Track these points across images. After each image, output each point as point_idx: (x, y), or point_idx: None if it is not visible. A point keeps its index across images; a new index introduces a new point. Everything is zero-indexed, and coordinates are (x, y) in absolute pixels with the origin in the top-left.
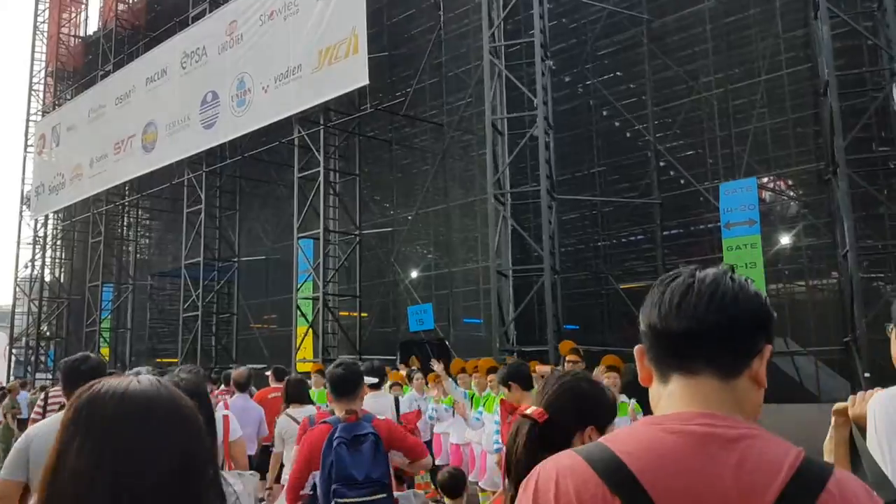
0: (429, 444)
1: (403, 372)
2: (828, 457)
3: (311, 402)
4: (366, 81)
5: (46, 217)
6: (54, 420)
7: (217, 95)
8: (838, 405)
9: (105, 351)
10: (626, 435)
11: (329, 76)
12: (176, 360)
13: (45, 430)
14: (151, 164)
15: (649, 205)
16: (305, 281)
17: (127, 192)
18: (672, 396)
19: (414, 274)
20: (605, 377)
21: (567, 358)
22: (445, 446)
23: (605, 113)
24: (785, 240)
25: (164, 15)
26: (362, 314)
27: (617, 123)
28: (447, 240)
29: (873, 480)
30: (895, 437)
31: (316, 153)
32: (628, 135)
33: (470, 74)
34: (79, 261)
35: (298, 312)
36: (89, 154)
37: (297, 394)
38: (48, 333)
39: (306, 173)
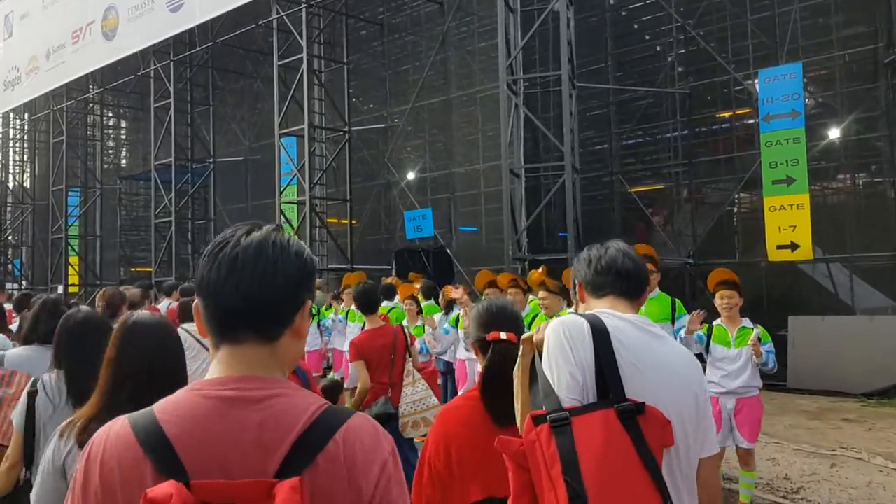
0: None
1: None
2: (515, 382)
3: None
4: None
5: (6, 117)
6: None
7: None
8: (525, 335)
9: (74, 259)
10: (172, 400)
11: None
12: (150, 270)
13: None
14: (113, 53)
15: (672, 97)
16: (289, 183)
17: (91, 88)
18: (219, 363)
19: (410, 175)
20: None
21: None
22: (472, 373)
23: None
24: (833, 133)
25: None
26: (353, 221)
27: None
28: (447, 137)
29: (543, 394)
30: (560, 356)
31: (298, 37)
32: (647, 17)
33: None
34: (42, 164)
35: (283, 218)
36: (45, 45)
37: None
38: (13, 241)
39: (287, 60)
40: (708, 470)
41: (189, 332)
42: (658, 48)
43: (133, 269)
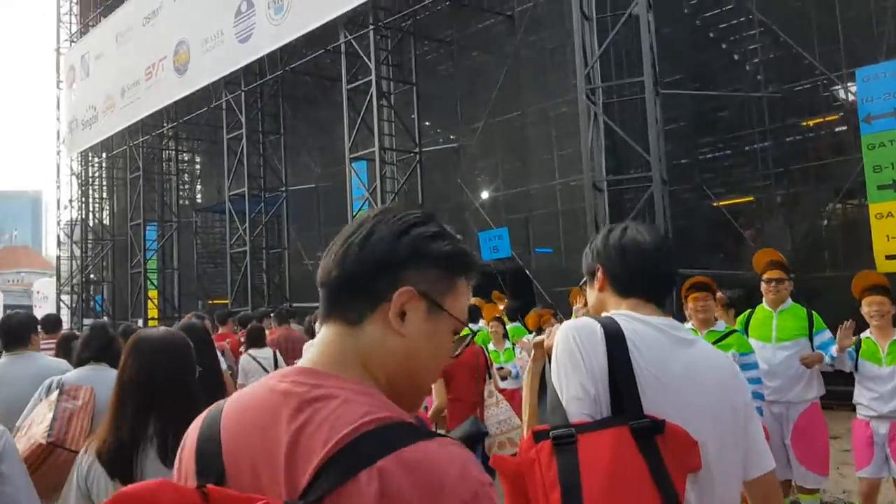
0: None
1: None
2: (525, 389)
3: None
4: None
5: (85, 156)
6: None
7: (252, 4)
8: (537, 338)
9: (153, 293)
10: (244, 390)
11: None
12: (226, 301)
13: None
14: (185, 87)
15: (755, 106)
16: (361, 208)
17: (165, 123)
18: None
19: (484, 195)
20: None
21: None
22: None
23: None
24: None
25: None
26: None
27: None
28: (521, 155)
29: (549, 407)
30: (570, 364)
31: (366, 60)
32: (724, 25)
33: None
34: (120, 200)
35: None
36: (120, 83)
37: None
38: (94, 278)
39: (356, 84)
40: (761, 491)
41: (254, 358)
42: (736, 56)
43: (210, 301)
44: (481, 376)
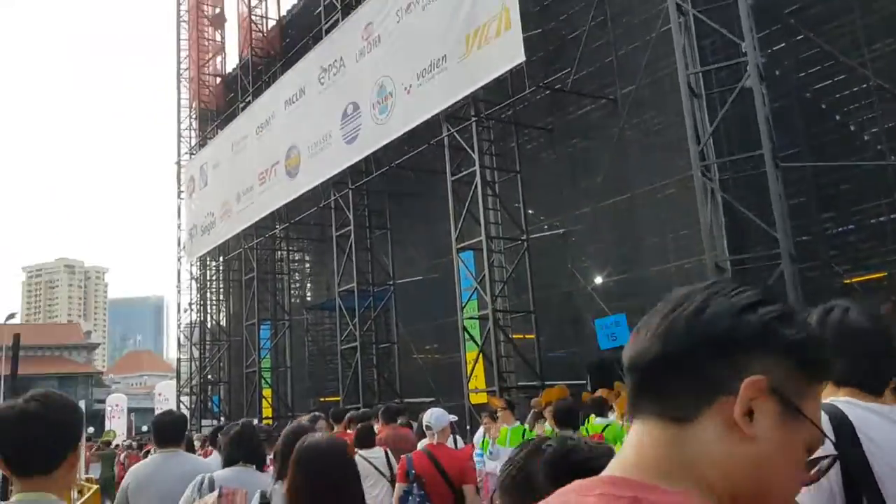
0: None
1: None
2: None
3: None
4: (522, 58)
5: (203, 261)
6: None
7: (357, 106)
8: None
9: (267, 392)
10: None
11: (479, 61)
12: (338, 398)
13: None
14: (297, 189)
15: (877, 176)
16: (470, 298)
17: (276, 224)
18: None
19: (597, 280)
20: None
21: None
22: None
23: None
24: None
25: (297, 37)
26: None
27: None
28: (632, 238)
29: None
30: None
31: (469, 151)
32: (838, 95)
33: (641, 32)
34: (235, 301)
35: (466, 335)
36: (236, 189)
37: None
38: (212, 378)
39: (460, 175)
40: None
41: (366, 459)
42: (852, 126)
43: (321, 399)
44: None
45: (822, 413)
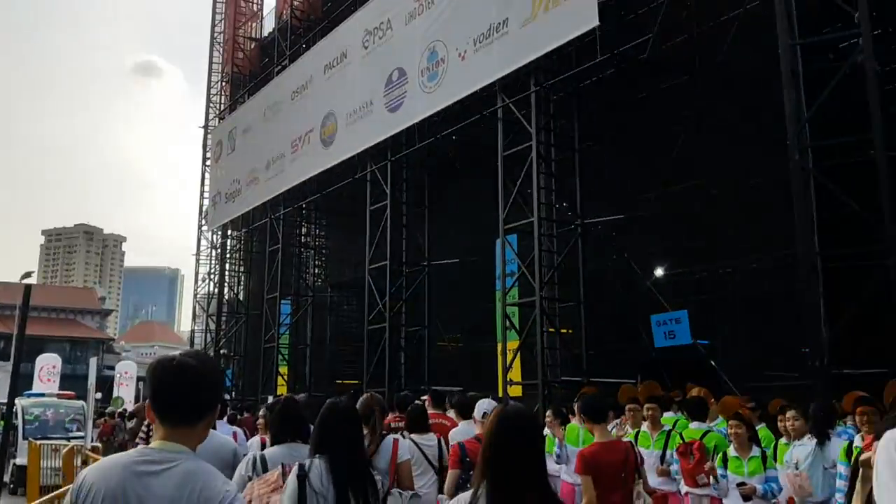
0: None
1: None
2: None
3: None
4: (595, 22)
5: (225, 230)
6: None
7: (404, 72)
8: (865, 455)
9: (284, 370)
10: None
11: (546, 25)
12: (356, 382)
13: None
14: (331, 158)
15: None
16: (514, 285)
17: (307, 195)
18: None
19: (658, 272)
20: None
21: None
22: None
23: None
24: None
25: (340, 1)
26: (578, 327)
27: None
28: (706, 227)
29: None
30: (890, 480)
31: (526, 124)
32: None
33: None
34: (257, 275)
35: (507, 323)
36: (265, 156)
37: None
38: (225, 352)
39: (513, 150)
40: None
41: (418, 445)
42: None
43: (338, 382)
44: (630, 476)
45: None
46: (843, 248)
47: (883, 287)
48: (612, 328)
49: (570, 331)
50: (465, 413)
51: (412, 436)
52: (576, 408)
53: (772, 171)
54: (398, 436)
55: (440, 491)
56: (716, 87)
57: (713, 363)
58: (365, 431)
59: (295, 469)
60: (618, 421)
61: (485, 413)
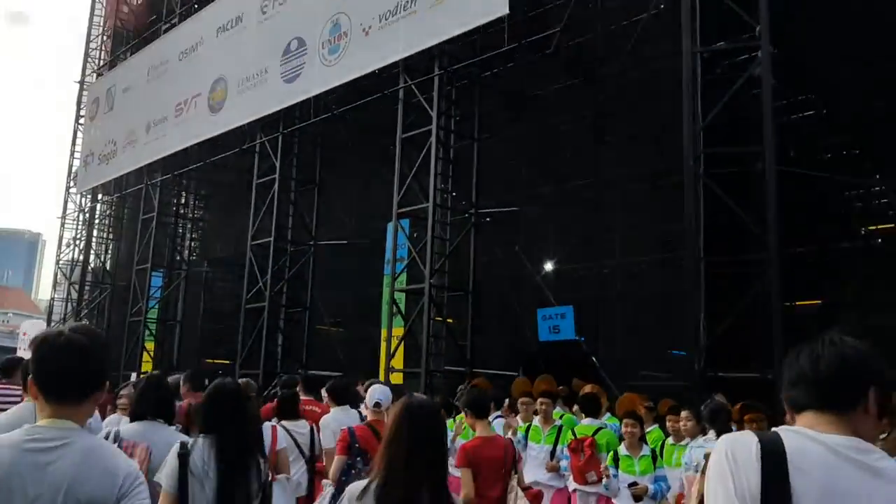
0: None
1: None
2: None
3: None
4: (505, 10)
5: (95, 194)
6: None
7: (304, 42)
8: (708, 450)
9: (150, 345)
10: None
11: (455, 8)
12: (226, 362)
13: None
14: (218, 126)
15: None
16: (403, 270)
17: (188, 164)
18: None
19: (548, 267)
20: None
21: None
22: None
23: None
24: None
25: None
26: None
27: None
28: (597, 226)
29: None
30: (718, 484)
31: (428, 108)
32: None
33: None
34: (127, 243)
35: (394, 309)
36: (146, 118)
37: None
38: (86, 323)
39: (411, 133)
40: None
41: (289, 432)
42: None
43: (208, 361)
44: (508, 472)
45: (755, 440)
46: (728, 255)
47: (761, 296)
48: (498, 320)
49: (453, 321)
50: (340, 399)
51: (284, 423)
52: (459, 403)
53: (664, 174)
54: (274, 422)
55: (310, 480)
56: (615, 88)
57: (595, 360)
58: None
59: (176, 447)
60: (499, 413)
61: (378, 402)
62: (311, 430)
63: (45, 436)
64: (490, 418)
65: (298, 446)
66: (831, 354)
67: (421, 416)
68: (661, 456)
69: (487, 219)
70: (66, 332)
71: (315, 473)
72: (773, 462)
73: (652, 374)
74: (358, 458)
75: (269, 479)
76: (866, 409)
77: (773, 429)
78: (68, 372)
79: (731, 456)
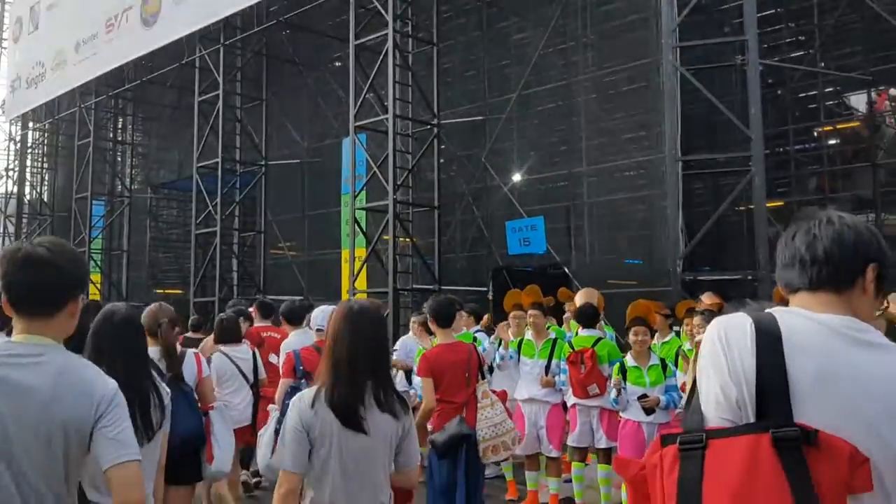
0: None
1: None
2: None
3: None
4: None
5: (25, 120)
6: None
7: None
8: (699, 337)
9: (96, 277)
10: None
11: None
12: (179, 292)
13: None
14: (153, 41)
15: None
16: (363, 188)
17: (124, 83)
18: None
19: (516, 178)
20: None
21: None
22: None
23: None
24: None
25: None
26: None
27: None
28: (566, 131)
29: (691, 410)
30: (711, 364)
31: (383, 12)
32: None
33: None
34: (64, 171)
35: (356, 228)
36: (75, 36)
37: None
38: (55, 237)
39: (364, 40)
40: None
41: (228, 357)
42: None
43: (160, 291)
44: (472, 377)
45: (750, 321)
46: (707, 153)
47: (741, 195)
48: (465, 236)
49: (417, 238)
50: (295, 321)
51: (223, 347)
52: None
53: (638, 76)
54: (197, 350)
55: (255, 408)
56: None
57: (567, 270)
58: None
59: None
60: (478, 327)
61: (320, 328)
62: (254, 354)
63: (18, 351)
64: (472, 331)
65: (242, 372)
66: (828, 233)
67: (359, 318)
68: (676, 362)
69: (444, 128)
70: (23, 246)
71: (261, 399)
72: (768, 342)
73: (627, 281)
74: (303, 381)
75: (200, 407)
76: (864, 288)
77: (768, 309)
78: (32, 285)
79: (723, 337)
